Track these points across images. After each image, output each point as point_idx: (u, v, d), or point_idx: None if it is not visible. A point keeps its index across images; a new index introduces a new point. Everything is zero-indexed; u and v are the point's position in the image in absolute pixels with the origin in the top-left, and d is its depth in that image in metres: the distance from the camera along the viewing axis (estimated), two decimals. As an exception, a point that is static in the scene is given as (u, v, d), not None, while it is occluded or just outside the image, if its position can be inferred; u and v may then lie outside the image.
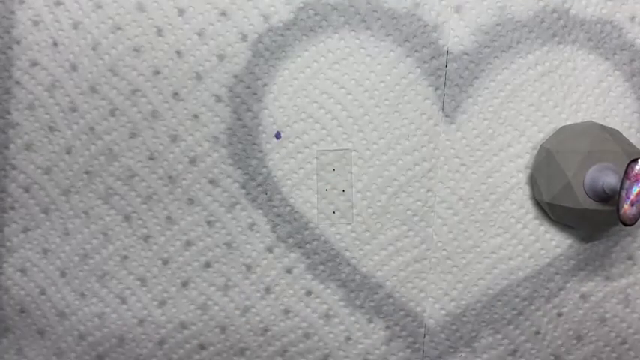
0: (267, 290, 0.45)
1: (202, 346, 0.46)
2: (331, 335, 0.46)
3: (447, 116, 0.45)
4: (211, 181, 0.45)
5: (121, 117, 0.45)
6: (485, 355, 0.46)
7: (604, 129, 0.43)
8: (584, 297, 0.45)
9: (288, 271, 0.45)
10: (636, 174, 0.37)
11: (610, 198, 0.40)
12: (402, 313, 0.46)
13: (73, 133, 0.45)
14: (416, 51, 0.45)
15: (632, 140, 0.44)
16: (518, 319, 0.45)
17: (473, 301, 0.45)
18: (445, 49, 0.45)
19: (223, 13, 0.45)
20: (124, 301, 0.46)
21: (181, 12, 0.45)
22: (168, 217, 0.46)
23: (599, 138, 0.42)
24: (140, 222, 0.46)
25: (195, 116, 0.45)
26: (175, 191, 0.45)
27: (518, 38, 0.45)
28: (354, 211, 0.45)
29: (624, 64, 0.46)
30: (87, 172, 0.45)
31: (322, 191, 0.45)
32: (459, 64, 0.45)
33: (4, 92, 0.45)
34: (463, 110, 0.45)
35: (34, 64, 0.45)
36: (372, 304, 0.46)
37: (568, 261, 0.45)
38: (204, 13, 0.45)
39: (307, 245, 0.45)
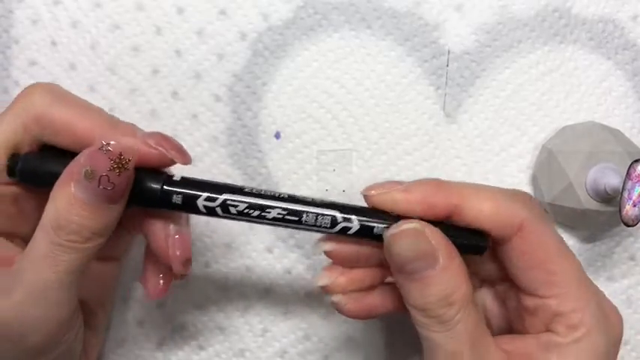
0: (267, 291, 0.45)
1: (201, 348, 0.45)
2: (331, 336, 0.45)
3: (448, 116, 0.45)
4: (211, 181, 0.45)
5: (119, 116, 0.45)
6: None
7: (606, 129, 0.43)
8: (585, 298, 0.45)
9: (288, 271, 0.45)
10: (639, 174, 0.37)
11: (612, 198, 0.40)
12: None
13: (71, 132, 0.45)
14: (416, 50, 0.45)
15: (635, 140, 0.44)
16: (519, 320, 0.45)
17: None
18: (446, 48, 0.45)
19: (223, 12, 0.45)
20: (123, 301, 0.46)
21: (180, 11, 0.45)
22: (168, 218, 0.45)
23: (601, 138, 0.42)
24: (139, 222, 0.45)
25: (195, 116, 0.45)
26: (174, 191, 0.45)
27: (519, 37, 0.45)
28: (355, 211, 0.45)
29: (626, 63, 0.46)
30: (85, 172, 0.45)
31: (322, 191, 0.45)
32: (460, 63, 0.45)
33: (3, 92, 0.45)
34: (464, 110, 0.45)
35: (33, 63, 0.45)
36: (372, 304, 0.45)
37: (569, 262, 0.45)
38: (203, 11, 0.45)
39: (307, 245, 0.45)
